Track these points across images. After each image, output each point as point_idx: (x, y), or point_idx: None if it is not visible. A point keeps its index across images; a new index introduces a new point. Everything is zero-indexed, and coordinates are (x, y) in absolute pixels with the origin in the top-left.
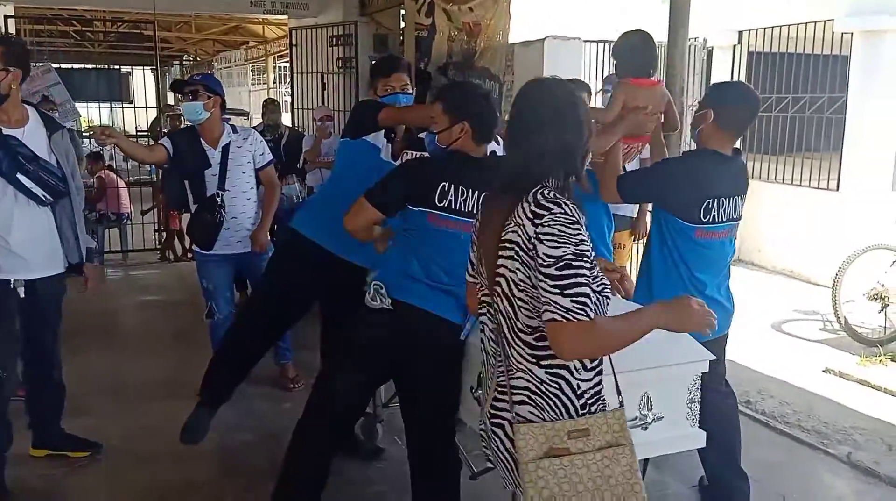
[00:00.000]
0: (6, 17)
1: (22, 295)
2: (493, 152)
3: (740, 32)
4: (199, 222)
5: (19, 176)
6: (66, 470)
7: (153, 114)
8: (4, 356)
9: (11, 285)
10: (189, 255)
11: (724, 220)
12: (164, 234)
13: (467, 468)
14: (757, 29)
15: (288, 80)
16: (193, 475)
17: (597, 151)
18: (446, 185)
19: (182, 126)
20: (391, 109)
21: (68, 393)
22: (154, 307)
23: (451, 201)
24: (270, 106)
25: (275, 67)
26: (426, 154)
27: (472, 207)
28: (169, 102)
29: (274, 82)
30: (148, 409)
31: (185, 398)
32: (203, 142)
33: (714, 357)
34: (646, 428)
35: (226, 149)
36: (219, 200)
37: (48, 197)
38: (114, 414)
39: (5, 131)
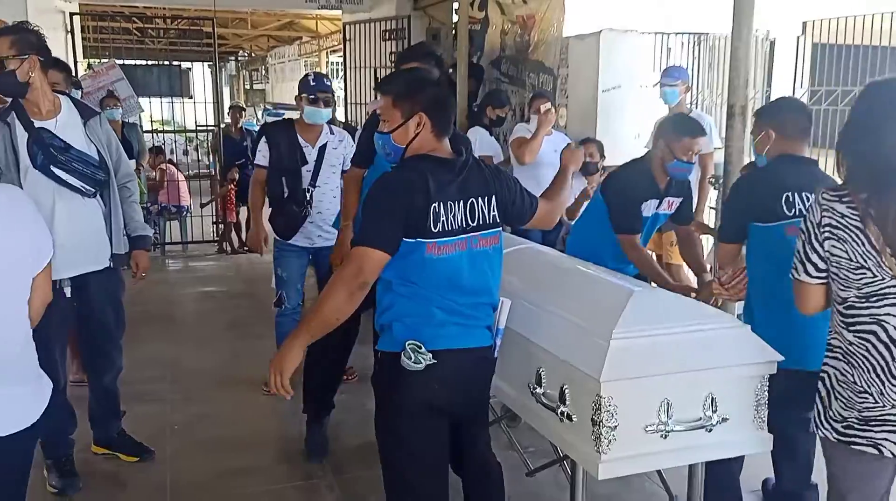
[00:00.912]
0: (72, 14)
1: (68, 295)
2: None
3: (804, 23)
4: (285, 213)
5: (53, 168)
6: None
7: (211, 108)
8: (55, 359)
9: (57, 286)
10: (245, 248)
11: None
12: (222, 226)
13: (523, 464)
14: (822, 20)
15: (341, 74)
16: (252, 460)
17: None
18: (438, 206)
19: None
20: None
21: (132, 380)
22: (212, 298)
23: (444, 222)
24: (378, 85)
25: (327, 62)
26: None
27: (463, 219)
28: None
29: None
30: (207, 396)
31: (242, 387)
32: (301, 139)
33: (782, 358)
34: (710, 430)
35: (323, 148)
36: (308, 195)
37: (89, 188)
38: (175, 401)
39: (37, 124)
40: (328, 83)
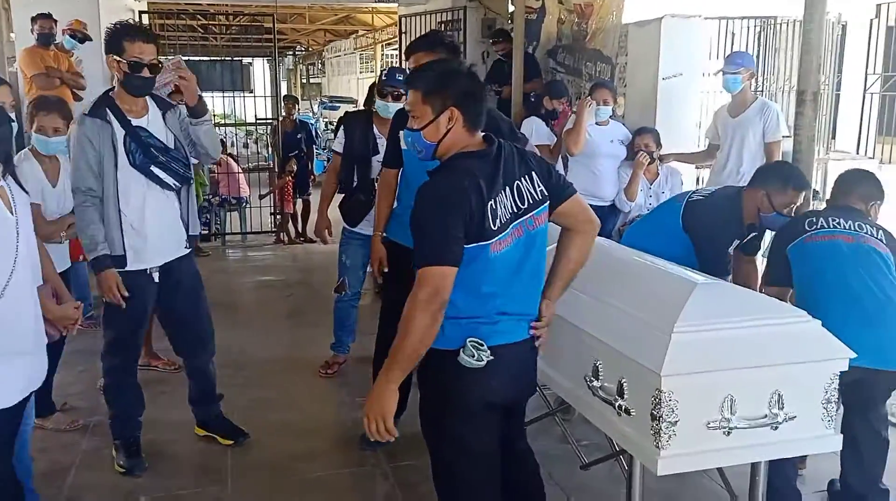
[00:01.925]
0: (140, 12)
1: (156, 280)
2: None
3: (878, 5)
4: (353, 201)
5: (153, 168)
6: (193, 437)
7: (269, 102)
8: (139, 340)
9: (148, 273)
10: (301, 238)
11: (843, 228)
12: (280, 217)
13: (577, 457)
14: None
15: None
16: (310, 446)
17: None
18: (493, 203)
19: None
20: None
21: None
22: (270, 287)
23: (500, 216)
24: (407, 79)
25: (382, 55)
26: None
27: (513, 205)
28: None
29: (381, 70)
30: (267, 382)
31: (300, 374)
32: (376, 130)
33: (854, 355)
34: (776, 428)
35: None
36: (377, 185)
37: (177, 184)
38: (237, 386)
39: (133, 122)
40: (399, 78)
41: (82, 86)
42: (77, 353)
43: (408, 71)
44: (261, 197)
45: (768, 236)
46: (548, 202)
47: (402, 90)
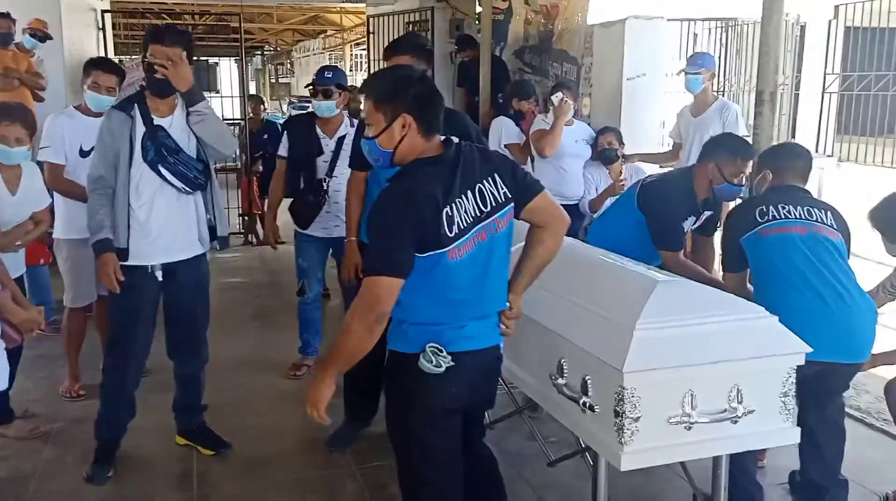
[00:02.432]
0: (103, 11)
1: (160, 278)
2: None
3: (836, 6)
4: (302, 203)
5: (160, 167)
6: (158, 443)
7: (238, 103)
8: (138, 339)
9: (150, 271)
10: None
11: (794, 216)
12: (247, 219)
13: (545, 455)
14: (854, 2)
15: (365, 67)
16: (277, 448)
17: None
18: (450, 209)
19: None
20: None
21: (159, 368)
22: (238, 289)
23: (458, 222)
24: (352, 94)
25: (351, 55)
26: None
27: (475, 209)
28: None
29: (350, 70)
30: (235, 385)
31: (269, 376)
32: (319, 131)
33: (810, 349)
34: (735, 422)
35: (341, 140)
36: (325, 185)
37: (188, 189)
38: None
39: (156, 121)
40: (328, 75)
41: (42, 86)
42: (38, 358)
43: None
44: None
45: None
46: (512, 204)
47: (331, 88)
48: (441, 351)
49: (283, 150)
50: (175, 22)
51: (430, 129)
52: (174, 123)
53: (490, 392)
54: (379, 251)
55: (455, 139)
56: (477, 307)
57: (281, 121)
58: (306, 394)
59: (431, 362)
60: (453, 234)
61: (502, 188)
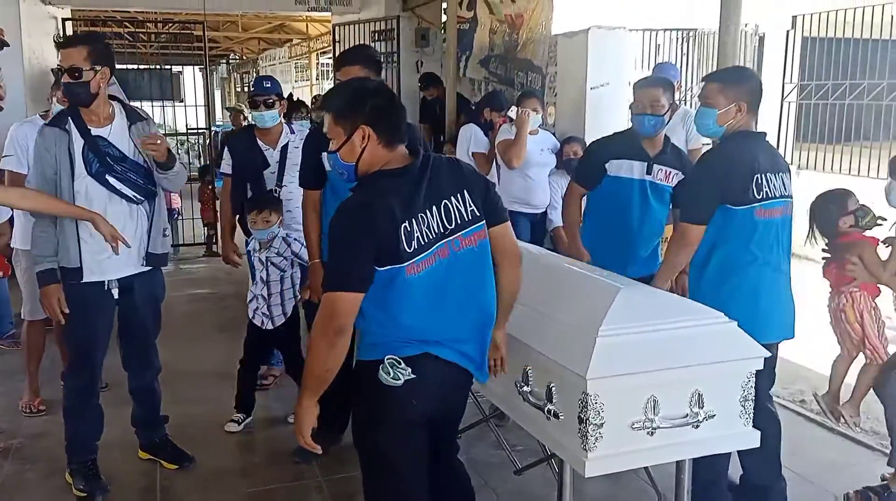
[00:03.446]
0: (64, 19)
1: (116, 296)
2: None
3: (794, 17)
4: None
5: (108, 177)
6: (122, 456)
7: (202, 112)
8: (99, 356)
9: (106, 287)
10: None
11: (778, 196)
12: (210, 229)
13: (511, 463)
14: (812, 13)
15: (331, 75)
16: (245, 460)
17: None
18: (409, 224)
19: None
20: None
21: (123, 381)
22: (202, 300)
23: (417, 237)
24: (316, 103)
25: (317, 64)
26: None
27: (438, 225)
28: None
29: (317, 78)
30: (199, 396)
31: (233, 387)
32: (261, 143)
33: (769, 354)
34: (696, 427)
35: (284, 149)
36: (276, 195)
37: (139, 197)
38: (166, 403)
39: (94, 132)
40: (268, 85)
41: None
42: None
43: (634, 102)
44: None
45: None
46: (482, 222)
47: (272, 97)
48: (399, 364)
49: (226, 167)
50: (137, 30)
51: (391, 139)
52: (113, 132)
53: (456, 406)
54: (335, 267)
55: (424, 151)
56: (433, 331)
57: None
58: (295, 426)
59: (389, 374)
60: (412, 249)
61: (471, 206)
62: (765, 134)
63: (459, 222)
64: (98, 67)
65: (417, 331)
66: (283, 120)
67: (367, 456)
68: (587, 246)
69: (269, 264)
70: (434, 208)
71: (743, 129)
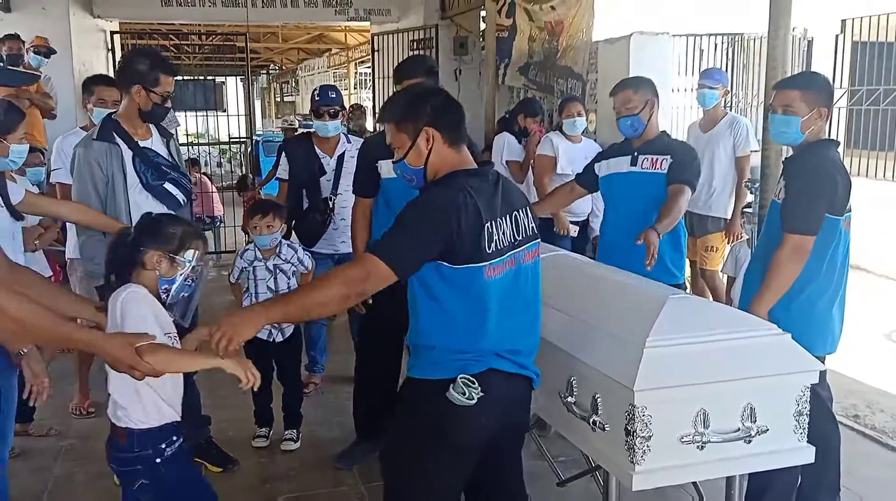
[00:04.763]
0: (112, 32)
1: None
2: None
3: (843, 21)
4: (309, 221)
5: (166, 185)
6: None
7: (244, 121)
8: None
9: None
10: None
11: (848, 209)
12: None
13: (554, 474)
14: (861, 17)
15: (369, 85)
16: (285, 465)
17: None
18: (491, 225)
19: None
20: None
21: None
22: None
23: (497, 240)
24: (357, 112)
25: (356, 73)
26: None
27: (511, 234)
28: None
29: (355, 87)
30: (240, 402)
31: (275, 393)
32: (318, 150)
33: (824, 367)
34: (749, 441)
35: (341, 157)
36: (330, 203)
37: (185, 199)
38: (208, 407)
39: (141, 144)
40: (333, 96)
41: (51, 107)
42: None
43: (613, 108)
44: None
45: None
46: (538, 240)
47: (336, 107)
48: (473, 383)
49: (283, 173)
50: (182, 42)
51: (455, 138)
52: (155, 142)
53: (520, 420)
54: (395, 238)
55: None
56: (504, 340)
57: None
58: (227, 319)
59: (464, 394)
60: (490, 251)
61: (531, 223)
62: (839, 142)
63: (525, 235)
64: (129, 89)
65: (491, 341)
66: (341, 129)
67: (405, 477)
68: (604, 246)
69: (277, 271)
70: (508, 216)
71: (821, 136)
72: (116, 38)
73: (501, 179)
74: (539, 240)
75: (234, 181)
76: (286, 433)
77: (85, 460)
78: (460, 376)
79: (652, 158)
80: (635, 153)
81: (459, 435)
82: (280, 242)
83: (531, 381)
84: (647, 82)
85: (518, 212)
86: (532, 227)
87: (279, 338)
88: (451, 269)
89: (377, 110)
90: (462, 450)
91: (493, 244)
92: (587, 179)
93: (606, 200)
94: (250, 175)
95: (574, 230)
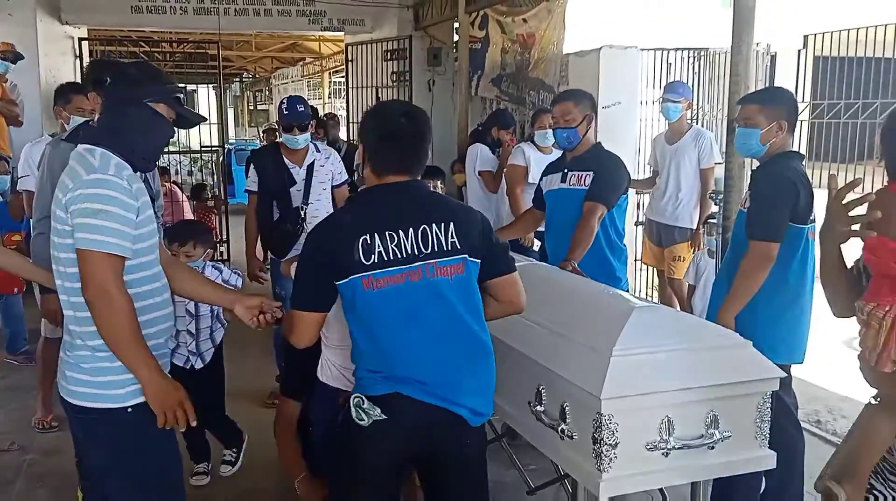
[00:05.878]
0: (80, 39)
1: None
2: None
3: (805, 36)
4: (280, 232)
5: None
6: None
7: (216, 130)
8: None
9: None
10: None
11: (812, 220)
12: (225, 245)
13: (524, 483)
14: (823, 32)
15: (343, 94)
16: (257, 482)
17: None
18: (368, 237)
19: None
20: None
21: None
22: None
23: (380, 252)
24: (331, 121)
25: (330, 82)
26: None
27: (413, 247)
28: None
29: (329, 97)
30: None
31: (246, 403)
32: (287, 161)
33: (785, 375)
34: (712, 448)
35: (310, 167)
36: (302, 213)
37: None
38: None
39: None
40: (302, 109)
41: (16, 114)
42: (8, 390)
43: (552, 118)
44: None
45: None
46: (463, 259)
47: (306, 122)
48: (365, 403)
49: (252, 185)
50: (153, 49)
51: (382, 168)
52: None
53: (454, 449)
54: (298, 284)
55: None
56: (412, 364)
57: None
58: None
59: (356, 414)
60: (369, 262)
61: (453, 238)
62: (804, 155)
63: (437, 249)
64: None
65: (398, 363)
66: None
67: (331, 482)
68: (550, 260)
69: None
70: (411, 228)
71: (786, 148)
72: (85, 44)
73: (422, 192)
74: (463, 258)
75: (217, 189)
76: (224, 454)
77: (48, 475)
78: (354, 395)
79: (578, 175)
80: (565, 170)
81: (361, 453)
82: (205, 264)
83: (461, 418)
84: (588, 97)
85: (431, 226)
86: (453, 243)
87: (199, 364)
88: (339, 285)
89: (350, 120)
90: (366, 469)
91: (373, 256)
92: (539, 200)
93: (546, 215)
94: (212, 184)
95: (537, 244)
